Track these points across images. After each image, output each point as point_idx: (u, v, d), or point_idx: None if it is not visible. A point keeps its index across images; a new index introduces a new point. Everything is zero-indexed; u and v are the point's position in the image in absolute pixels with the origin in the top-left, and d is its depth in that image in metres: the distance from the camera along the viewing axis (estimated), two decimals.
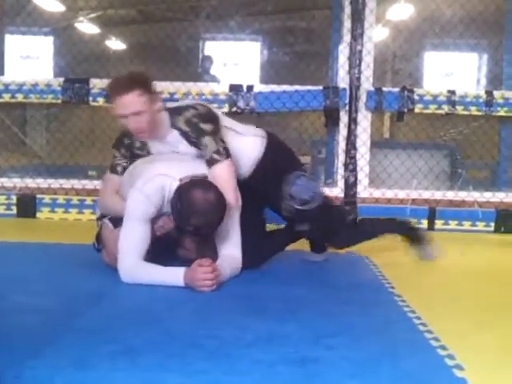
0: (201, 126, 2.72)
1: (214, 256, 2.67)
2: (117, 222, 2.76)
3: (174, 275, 2.53)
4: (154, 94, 2.71)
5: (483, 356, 1.87)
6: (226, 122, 2.92)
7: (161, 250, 2.71)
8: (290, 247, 3.51)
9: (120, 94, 2.63)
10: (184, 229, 2.56)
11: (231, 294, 2.48)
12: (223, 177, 2.68)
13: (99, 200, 2.98)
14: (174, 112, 2.76)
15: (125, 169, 2.89)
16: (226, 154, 2.74)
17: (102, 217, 2.89)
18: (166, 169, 2.65)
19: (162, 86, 4.63)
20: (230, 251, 2.75)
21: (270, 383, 1.59)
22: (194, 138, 2.74)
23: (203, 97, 4.64)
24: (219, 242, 2.76)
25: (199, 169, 2.69)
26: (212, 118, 2.77)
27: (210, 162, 2.71)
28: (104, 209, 2.89)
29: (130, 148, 2.89)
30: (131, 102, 2.63)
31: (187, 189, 2.53)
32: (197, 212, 2.48)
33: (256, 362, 1.73)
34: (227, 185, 2.67)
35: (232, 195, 2.69)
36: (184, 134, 2.76)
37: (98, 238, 2.91)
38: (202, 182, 2.59)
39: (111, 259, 2.75)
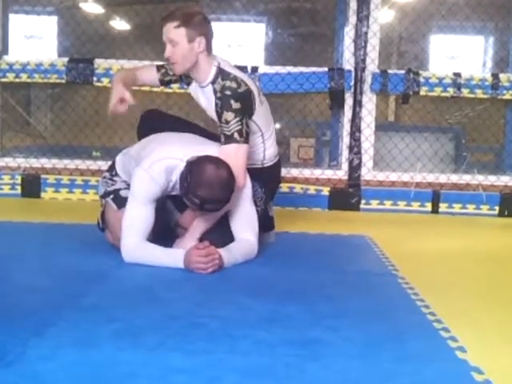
0: (230, 101, 2.71)
1: (217, 239, 2.65)
2: (121, 202, 2.77)
3: (174, 257, 2.54)
4: (196, 34, 2.74)
5: (485, 338, 1.87)
6: (259, 119, 2.90)
7: (161, 230, 2.71)
8: (295, 229, 3.53)
9: (163, 21, 2.79)
10: (190, 201, 2.55)
11: (233, 276, 2.49)
12: (238, 159, 2.67)
13: None
14: (221, 73, 2.79)
15: (162, 67, 3.06)
16: (246, 138, 2.73)
17: (105, 195, 2.89)
18: (175, 151, 2.64)
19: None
20: (244, 235, 2.75)
21: (272, 364, 1.60)
22: (219, 108, 2.74)
23: None
24: (234, 226, 2.76)
25: (208, 152, 2.67)
26: (245, 100, 2.75)
27: (229, 139, 2.69)
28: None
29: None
30: (168, 30, 2.76)
31: (200, 162, 2.54)
32: (206, 184, 2.48)
33: (258, 342, 1.74)
34: (239, 167, 2.66)
35: (241, 178, 2.69)
36: (215, 98, 2.78)
37: (103, 217, 2.91)
38: (215, 159, 2.59)
39: (115, 239, 2.75)
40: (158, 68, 3.08)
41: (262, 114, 2.89)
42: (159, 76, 3.07)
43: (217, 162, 2.56)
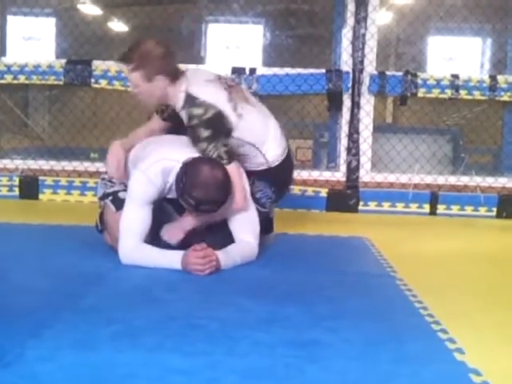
0: (199, 131, 2.65)
1: (215, 242, 2.63)
2: (119, 203, 2.76)
3: (171, 259, 2.54)
4: (154, 73, 2.68)
5: (484, 340, 1.87)
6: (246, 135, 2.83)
7: (158, 231, 2.71)
8: (293, 231, 3.53)
9: (119, 61, 2.78)
10: (185, 202, 2.55)
11: (232, 277, 2.49)
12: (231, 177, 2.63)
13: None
14: (188, 99, 2.71)
15: (168, 115, 2.94)
16: (229, 158, 2.67)
17: (104, 197, 2.89)
18: (171, 153, 2.65)
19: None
20: (244, 237, 2.74)
21: (271, 365, 1.60)
22: (191, 138, 2.69)
23: None
24: (233, 227, 2.74)
25: None
26: (215, 124, 2.68)
27: None
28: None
29: None
30: (125, 71, 2.78)
31: (195, 163, 2.54)
32: (201, 185, 2.48)
33: (257, 343, 1.74)
34: (234, 184, 2.63)
35: (239, 196, 2.67)
36: (186, 126, 2.72)
37: (101, 218, 2.91)
38: (210, 160, 2.59)
39: (113, 241, 2.75)
40: (157, 112, 2.99)
41: (246, 127, 2.80)
42: (160, 116, 2.98)
43: (212, 163, 2.57)
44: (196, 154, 2.63)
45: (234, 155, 2.72)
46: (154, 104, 2.83)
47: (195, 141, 2.67)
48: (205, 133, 2.65)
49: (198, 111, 2.67)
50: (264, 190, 2.89)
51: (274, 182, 2.96)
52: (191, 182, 2.50)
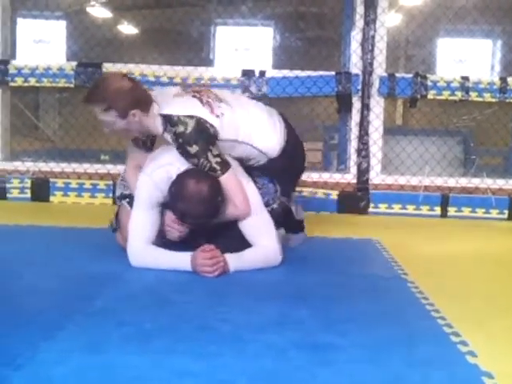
0: (187, 149, 2.59)
1: (224, 245, 2.61)
2: None
3: (181, 260, 2.54)
4: (128, 108, 2.59)
5: (496, 343, 1.86)
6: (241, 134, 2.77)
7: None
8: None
9: (87, 102, 2.67)
10: (173, 212, 2.59)
11: (243, 279, 2.48)
12: (228, 187, 2.60)
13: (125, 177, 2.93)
14: (166, 120, 2.64)
15: (144, 143, 2.88)
16: (222, 168, 2.61)
17: (121, 197, 2.90)
18: (175, 160, 2.64)
19: (175, 71, 4.65)
20: (260, 242, 2.70)
21: (282, 367, 1.60)
22: (182, 156, 2.63)
23: (215, 82, 4.64)
24: (248, 235, 2.70)
25: None
26: (199, 135, 2.61)
27: (211, 173, 2.62)
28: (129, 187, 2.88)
29: None
30: (96, 113, 2.65)
31: (184, 175, 2.55)
32: (184, 198, 2.49)
33: (268, 346, 1.73)
34: (233, 192, 2.61)
35: (240, 202, 2.63)
36: (175, 147, 2.65)
37: (117, 217, 2.92)
38: (199, 173, 2.56)
39: (124, 241, 2.75)
40: (136, 143, 2.91)
41: (230, 125, 2.72)
42: (140, 146, 2.90)
43: (199, 176, 2.53)
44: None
45: (228, 163, 2.64)
46: (135, 135, 2.79)
47: (186, 158, 2.62)
48: (192, 149, 2.59)
49: (179, 129, 2.60)
50: (264, 186, 2.83)
51: (279, 173, 2.86)
52: (176, 194, 2.51)
